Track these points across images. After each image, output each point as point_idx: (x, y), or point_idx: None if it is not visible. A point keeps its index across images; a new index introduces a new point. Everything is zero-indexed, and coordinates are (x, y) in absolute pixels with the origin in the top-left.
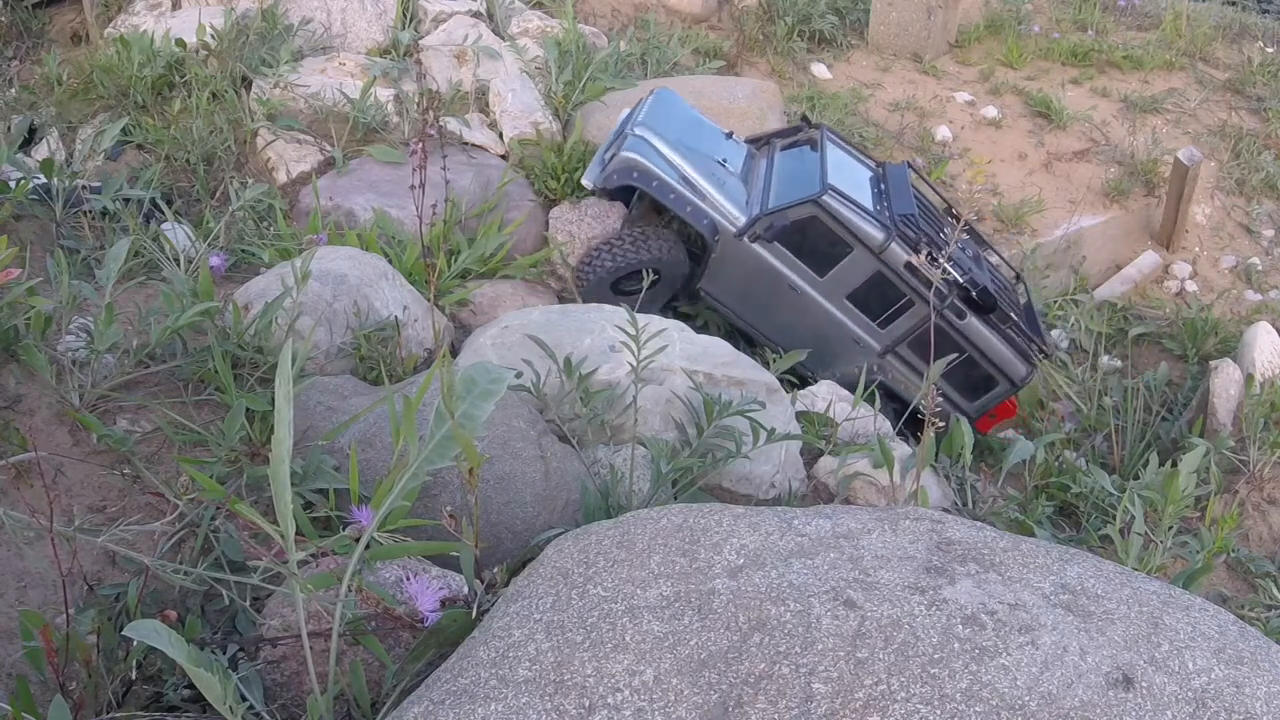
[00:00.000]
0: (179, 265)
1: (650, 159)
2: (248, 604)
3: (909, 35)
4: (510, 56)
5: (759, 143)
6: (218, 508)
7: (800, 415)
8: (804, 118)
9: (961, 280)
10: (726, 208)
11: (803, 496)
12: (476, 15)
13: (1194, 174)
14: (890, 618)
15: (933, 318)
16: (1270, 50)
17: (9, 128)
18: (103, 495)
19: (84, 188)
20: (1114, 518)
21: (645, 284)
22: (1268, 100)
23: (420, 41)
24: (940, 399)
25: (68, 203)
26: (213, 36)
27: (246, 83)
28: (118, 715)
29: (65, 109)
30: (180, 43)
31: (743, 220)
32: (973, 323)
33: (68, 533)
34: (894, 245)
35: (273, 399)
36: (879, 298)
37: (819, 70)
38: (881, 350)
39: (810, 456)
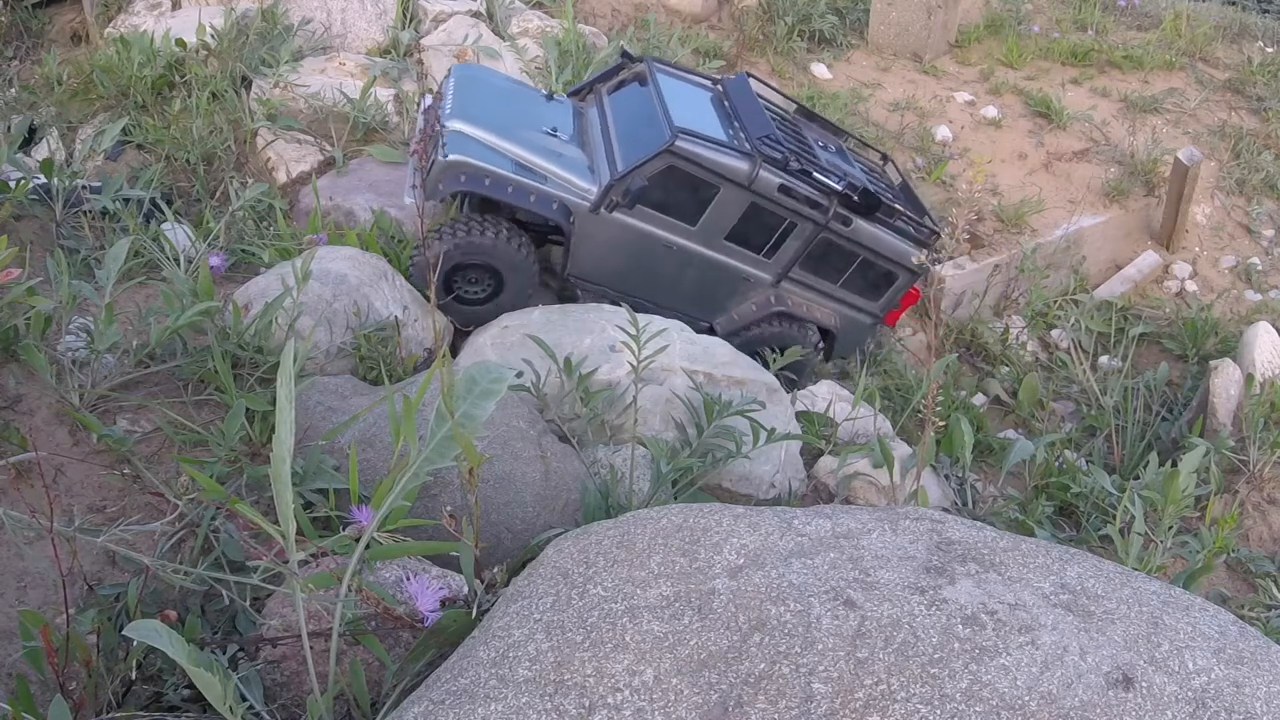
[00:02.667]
0: (179, 265)
1: (474, 155)
2: (248, 604)
3: (909, 35)
4: (510, 56)
5: (582, 93)
6: (218, 508)
7: (800, 415)
8: (624, 52)
9: (840, 187)
10: (573, 182)
11: (803, 496)
12: (476, 15)
13: (1194, 174)
14: (890, 618)
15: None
16: (1270, 50)
17: (9, 128)
18: (103, 495)
19: (84, 188)
20: (1114, 518)
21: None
22: (1268, 100)
23: (420, 41)
24: (844, 310)
25: (68, 203)
26: (213, 36)
27: (246, 83)
28: (118, 715)
29: (65, 109)
30: (180, 43)
31: (594, 191)
32: (859, 225)
33: (68, 533)
34: (762, 172)
35: (273, 399)
36: (759, 229)
37: (819, 70)
38: (774, 280)
39: (810, 456)
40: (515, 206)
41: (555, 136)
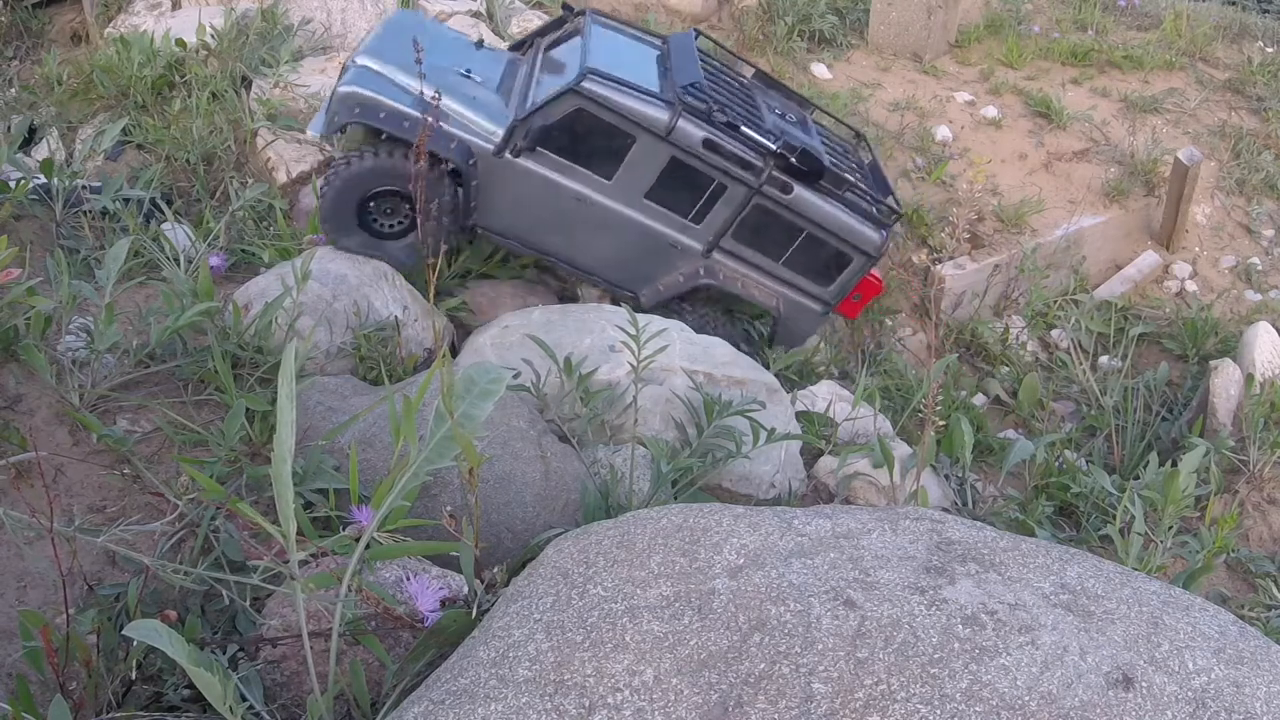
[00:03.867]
0: (179, 265)
1: (373, 87)
2: (248, 604)
3: (909, 35)
4: None
5: (524, 47)
6: (218, 508)
7: (800, 415)
8: (565, 5)
9: (775, 147)
10: (478, 124)
11: (803, 496)
12: (476, 15)
13: (1194, 174)
14: (890, 618)
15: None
16: (1270, 50)
17: (9, 128)
18: (103, 495)
19: (84, 188)
20: (1114, 518)
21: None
22: (1268, 100)
23: None
24: (787, 292)
25: (68, 203)
26: (213, 36)
27: (246, 83)
28: (118, 715)
29: (65, 109)
30: (180, 43)
31: (499, 134)
32: (802, 194)
33: (68, 533)
34: (683, 122)
35: (273, 399)
36: (685, 188)
37: (819, 70)
38: (705, 249)
39: (810, 456)
40: (408, 140)
41: (469, 79)
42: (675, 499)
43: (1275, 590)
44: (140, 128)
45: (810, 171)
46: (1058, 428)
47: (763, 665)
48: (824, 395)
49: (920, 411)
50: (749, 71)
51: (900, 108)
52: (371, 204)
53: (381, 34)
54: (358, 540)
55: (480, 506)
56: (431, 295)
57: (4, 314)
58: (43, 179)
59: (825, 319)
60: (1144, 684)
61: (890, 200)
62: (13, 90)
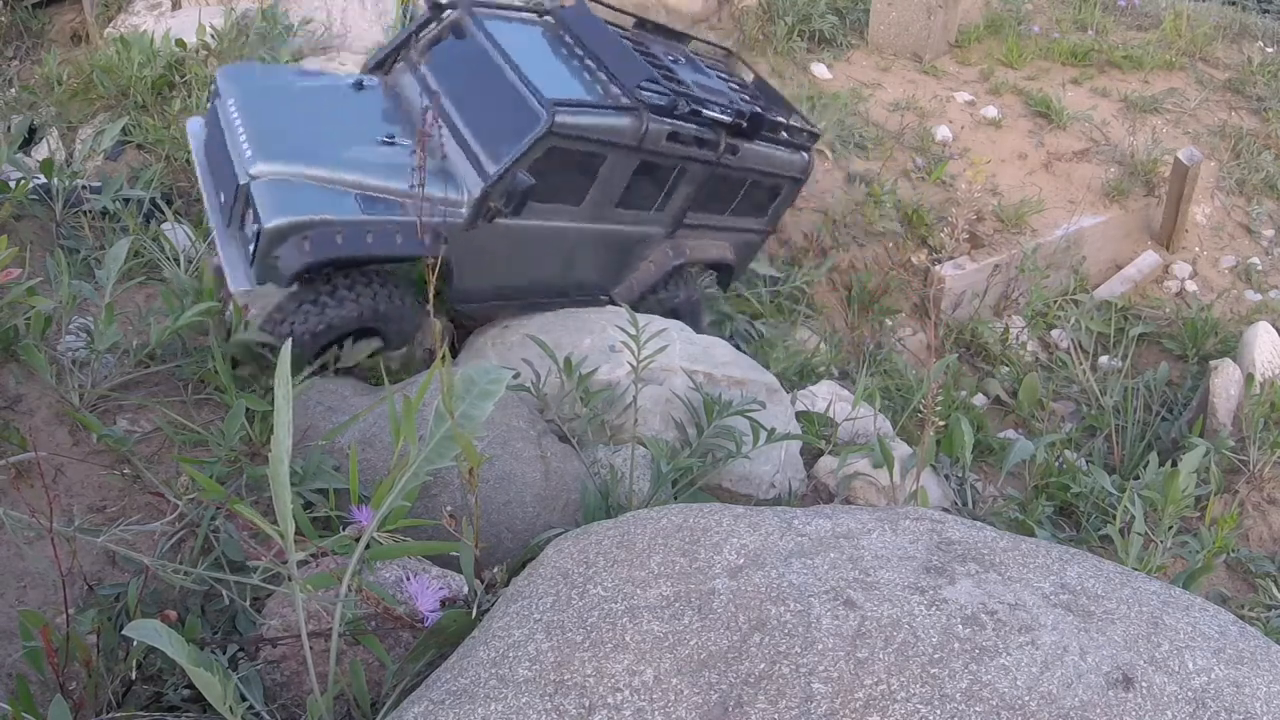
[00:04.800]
0: (179, 265)
1: (307, 207)
2: (248, 604)
3: (909, 35)
4: None
5: (386, 65)
6: (218, 508)
7: (800, 415)
8: (432, 3)
9: (728, 119)
10: (438, 195)
11: (803, 496)
12: None
13: (1194, 174)
14: (890, 618)
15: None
16: (1270, 50)
17: (9, 128)
18: (103, 495)
19: (84, 188)
20: (1114, 518)
21: (351, 351)
22: (1268, 100)
23: None
24: (736, 237)
25: (68, 203)
26: (213, 36)
27: None
28: (118, 715)
29: (65, 109)
30: (180, 43)
31: (462, 202)
32: (747, 150)
33: (68, 533)
34: (651, 125)
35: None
36: (649, 185)
37: (819, 70)
38: (668, 232)
39: (810, 456)
40: (380, 259)
41: (394, 144)
42: (675, 499)
43: (1275, 590)
44: (140, 128)
45: (754, 128)
46: (1058, 428)
47: (763, 665)
48: (824, 395)
49: (920, 411)
50: (629, 22)
51: (900, 108)
52: (332, 346)
53: (245, 114)
54: (358, 540)
55: (480, 506)
56: (431, 295)
57: (4, 314)
58: (43, 179)
59: (763, 243)
60: (1144, 684)
61: (796, 118)
62: (13, 90)
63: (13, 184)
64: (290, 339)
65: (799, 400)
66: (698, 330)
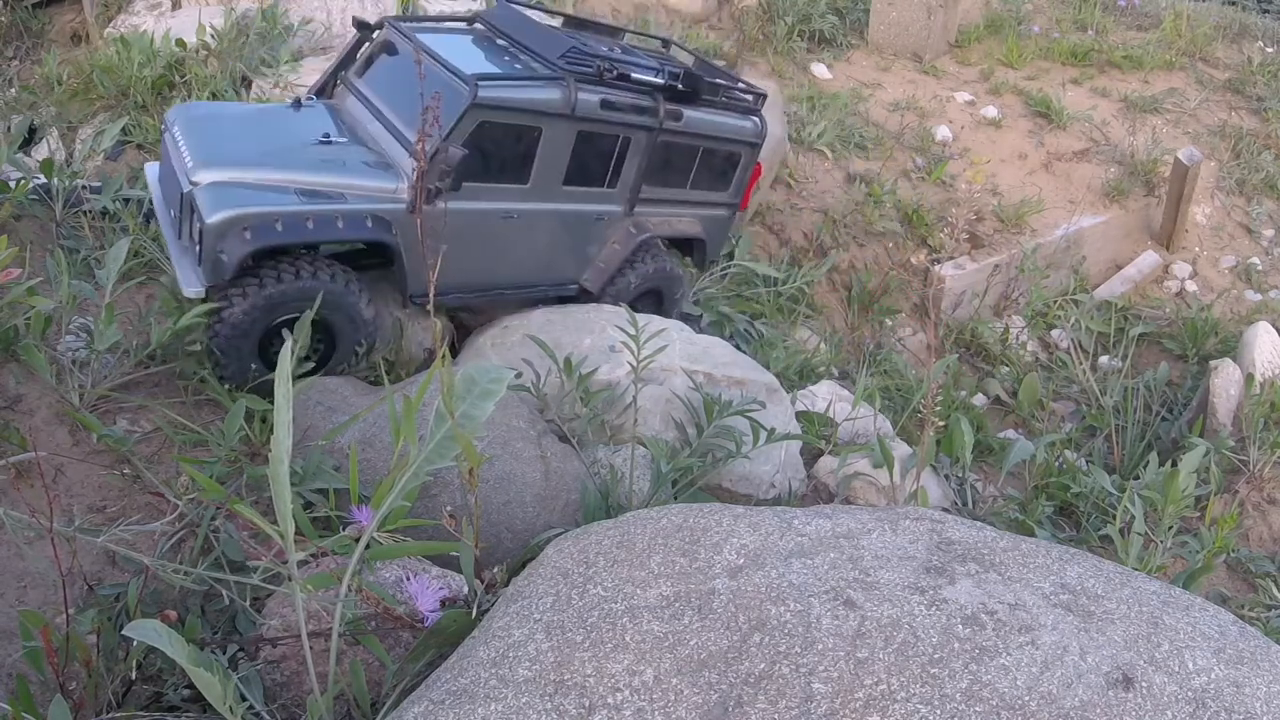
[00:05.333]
0: None
1: (247, 202)
2: (248, 604)
3: (909, 35)
4: None
5: (327, 90)
6: (218, 508)
7: (800, 415)
8: (357, 22)
9: (662, 80)
10: (375, 188)
11: (803, 496)
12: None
13: (1194, 174)
14: (890, 618)
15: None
16: (1270, 50)
17: (9, 128)
18: (103, 495)
19: (84, 188)
20: (1114, 518)
21: (292, 342)
22: (1268, 100)
23: None
24: (702, 211)
25: (68, 203)
26: (213, 36)
27: (246, 83)
28: (118, 715)
29: (65, 109)
30: (180, 43)
31: (403, 189)
32: (691, 115)
33: (68, 533)
34: (581, 94)
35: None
36: (595, 159)
37: (819, 70)
38: (627, 209)
39: (810, 456)
40: (322, 242)
41: (331, 143)
42: (675, 499)
43: (1275, 590)
44: (140, 128)
45: (693, 91)
46: (1058, 428)
47: (763, 665)
48: (824, 395)
49: (920, 411)
50: (558, 21)
51: (900, 108)
52: (274, 339)
53: (189, 137)
54: (358, 540)
55: (480, 506)
56: (431, 295)
57: (4, 314)
58: (43, 179)
59: (734, 219)
60: (1144, 684)
61: (741, 85)
62: (13, 90)
63: (13, 184)
64: (243, 322)
65: (799, 400)
66: (683, 306)
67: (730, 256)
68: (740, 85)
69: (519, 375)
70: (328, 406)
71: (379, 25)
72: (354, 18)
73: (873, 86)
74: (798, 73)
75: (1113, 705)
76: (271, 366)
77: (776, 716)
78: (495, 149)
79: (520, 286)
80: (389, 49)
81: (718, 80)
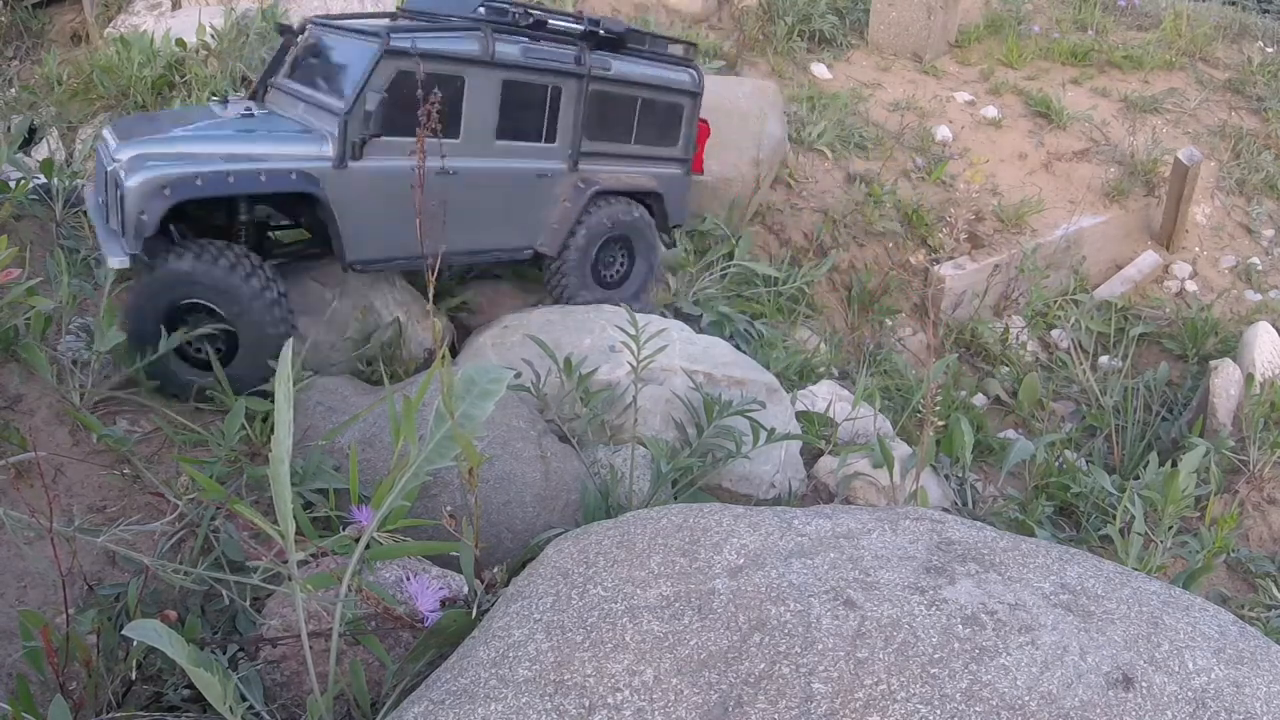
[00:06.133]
0: None
1: (167, 166)
2: (248, 604)
3: (909, 35)
4: None
5: (258, 97)
6: (218, 508)
7: (800, 415)
8: (280, 27)
9: (583, 27)
10: (299, 151)
11: (803, 496)
12: None
13: (1194, 174)
14: (890, 618)
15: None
16: (1270, 50)
17: (9, 128)
18: (103, 495)
19: (84, 188)
20: (1114, 518)
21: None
22: (1268, 100)
23: None
24: (654, 168)
25: (68, 203)
26: (213, 36)
27: (246, 83)
28: (118, 715)
29: (65, 109)
30: (180, 43)
31: (329, 148)
32: (620, 65)
33: (68, 533)
34: (499, 44)
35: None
36: (526, 111)
37: (819, 70)
38: (570, 164)
39: (810, 456)
40: (245, 194)
41: (253, 115)
42: (675, 499)
43: (1275, 590)
44: None
45: (616, 37)
46: (1058, 428)
47: (763, 665)
48: (824, 395)
49: (920, 411)
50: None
51: (900, 108)
52: (182, 322)
53: (117, 131)
54: (358, 540)
55: (480, 506)
56: (431, 295)
57: (4, 314)
58: (43, 179)
59: (689, 178)
60: (1144, 684)
61: (671, 45)
62: (13, 90)
63: (13, 184)
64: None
65: (799, 400)
66: (659, 255)
67: (730, 256)
68: (666, 38)
69: (519, 375)
70: (328, 406)
71: (302, 29)
72: (276, 22)
73: (873, 86)
74: (798, 73)
75: (1113, 705)
76: (193, 365)
77: (776, 716)
78: (415, 100)
79: (471, 252)
80: (314, 51)
81: (638, 30)
